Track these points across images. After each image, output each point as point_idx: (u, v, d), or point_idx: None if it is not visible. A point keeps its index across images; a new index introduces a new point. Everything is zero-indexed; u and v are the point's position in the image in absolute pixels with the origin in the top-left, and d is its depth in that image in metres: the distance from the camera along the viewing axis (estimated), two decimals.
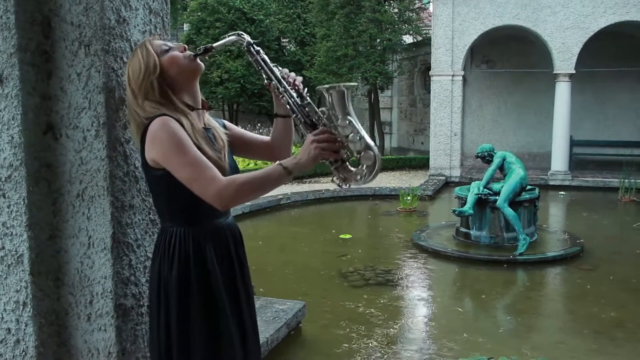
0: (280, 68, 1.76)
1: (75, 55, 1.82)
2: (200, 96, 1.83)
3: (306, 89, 1.77)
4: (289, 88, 1.72)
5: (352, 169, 1.67)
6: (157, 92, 1.69)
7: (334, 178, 1.69)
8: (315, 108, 1.70)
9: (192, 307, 1.73)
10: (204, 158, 1.63)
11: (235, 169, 1.82)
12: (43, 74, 1.84)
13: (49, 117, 1.85)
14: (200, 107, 1.80)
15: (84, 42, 1.81)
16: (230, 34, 1.77)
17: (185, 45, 1.78)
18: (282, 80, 1.73)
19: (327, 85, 1.63)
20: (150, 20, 2.01)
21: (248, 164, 11.37)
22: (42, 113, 1.84)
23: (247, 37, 1.75)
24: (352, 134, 1.62)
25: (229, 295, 1.79)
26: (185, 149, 1.61)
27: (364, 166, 1.64)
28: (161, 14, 2.07)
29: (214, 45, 1.73)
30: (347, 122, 1.62)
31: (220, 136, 1.82)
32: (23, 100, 1.80)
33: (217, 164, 1.67)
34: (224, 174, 1.67)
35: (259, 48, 1.75)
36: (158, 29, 2.05)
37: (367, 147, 1.62)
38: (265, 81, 1.76)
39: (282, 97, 1.73)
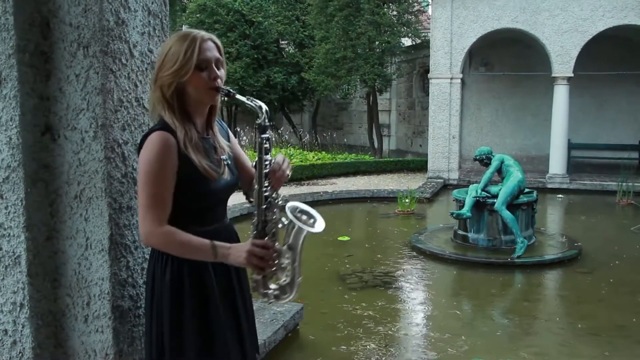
0: (271, 160, 1.70)
1: (73, 57, 1.82)
2: (214, 111, 1.81)
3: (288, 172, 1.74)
4: (264, 189, 1.68)
5: (270, 287, 1.69)
6: (170, 92, 1.69)
7: (252, 277, 1.70)
8: (276, 220, 1.68)
9: (184, 311, 1.73)
10: (166, 196, 1.66)
11: (235, 183, 1.84)
12: (41, 75, 1.84)
13: (47, 118, 1.85)
14: (203, 124, 1.79)
15: (82, 44, 1.81)
16: (258, 102, 1.69)
17: (217, 74, 1.70)
18: (262, 177, 1.67)
19: (291, 218, 1.64)
20: (149, 21, 2.01)
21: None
22: (40, 114, 1.84)
23: (265, 119, 1.68)
24: (285, 267, 1.67)
25: (224, 299, 1.79)
26: (155, 180, 1.64)
27: (276, 295, 1.69)
28: (160, 16, 2.07)
29: (237, 95, 1.71)
30: (288, 255, 1.66)
31: (222, 148, 1.82)
32: (21, 101, 1.80)
33: (207, 172, 1.69)
34: (216, 184, 1.72)
35: (267, 135, 1.69)
36: (157, 31, 2.05)
37: (289, 287, 1.68)
38: (252, 164, 1.74)
39: (254, 192, 1.69)
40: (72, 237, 1.87)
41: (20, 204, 1.82)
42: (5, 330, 1.88)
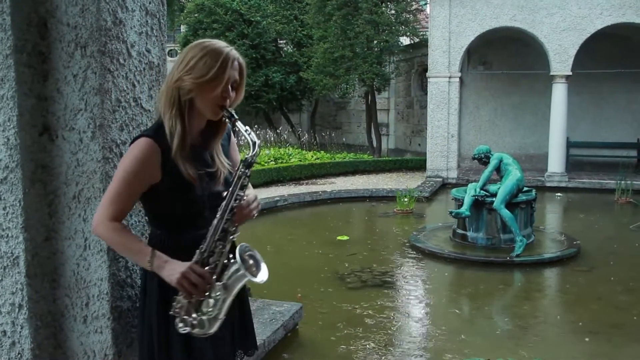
0: (242, 197, 1.67)
1: (71, 57, 1.82)
2: (218, 136, 1.81)
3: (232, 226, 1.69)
4: (226, 220, 1.64)
5: (193, 315, 1.65)
6: (186, 97, 1.68)
7: (177, 301, 1.66)
8: (223, 254, 1.65)
9: (172, 319, 1.74)
10: (130, 199, 1.70)
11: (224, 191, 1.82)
12: (39, 75, 1.84)
13: (45, 119, 1.85)
14: (199, 142, 1.77)
15: (80, 44, 1.81)
16: (254, 138, 1.66)
17: (228, 94, 1.70)
18: (228, 210, 1.64)
19: (238, 260, 1.61)
20: (147, 21, 2.01)
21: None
22: (38, 114, 1.84)
23: (254, 156, 1.65)
24: (213, 303, 1.63)
25: None
26: (127, 182, 1.66)
27: (194, 324, 1.65)
28: (158, 16, 2.06)
29: (237, 122, 1.70)
30: (220, 294, 1.63)
31: (220, 160, 1.80)
32: (19, 102, 1.79)
33: (192, 179, 1.69)
34: (202, 193, 1.72)
35: (249, 172, 1.66)
36: (154, 31, 2.04)
37: (209, 322, 1.64)
38: (223, 194, 1.69)
39: (216, 220, 1.66)
40: (71, 238, 1.87)
41: (18, 204, 1.82)
42: (4, 331, 1.88)
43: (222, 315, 1.65)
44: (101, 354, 1.87)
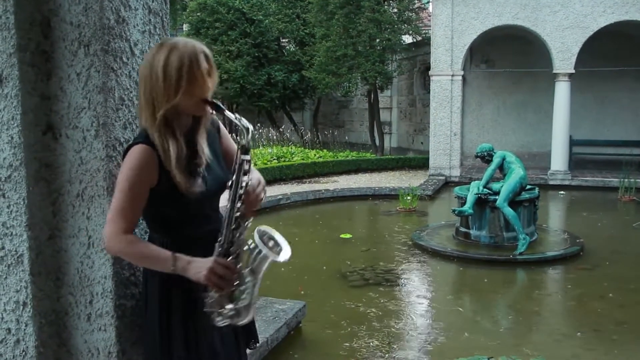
0: (247, 182, 1.66)
1: (74, 55, 1.82)
2: (200, 128, 1.79)
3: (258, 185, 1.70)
4: (236, 208, 1.64)
5: (227, 306, 1.66)
6: (167, 108, 1.65)
7: (209, 297, 1.67)
8: (242, 242, 1.66)
9: (173, 316, 1.76)
10: (136, 207, 1.68)
11: (221, 185, 1.81)
12: (42, 74, 1.84)
13: (49, 117, 1.85)
14: (186, 132, 1.76)
15: (83, 42, 1.81)
16: (246, 123, 1.65)
17: (209, 87, 1.69)
18: (236, 198, 1.64)
19: (258, 243, 1.62)
20: (150, 20, 2.01)
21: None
22: (41, 113, 1.84)
23: (249, 140, 1.65)
24: (244, 290, 1.64)
25: None
26: (131, 191, 1.65)
27: (231, 316, 1.66)
28: (160, 14, 2.07)
29: (226, 111, 1.70)
30: (248, 279, 1.64)
31: (202, 154, 1.78)
32: (23, 100, 1.80)
33: (189, 191, 1.69)
34: (198, 193, 1.71)
35: (249, 157, 1.65)
36: (157, 29, 2.05)
37: (245, 309, 1.65)
38: (228, 184, 1.68)
39: (227, 210, 1.67)
40: (75, 236, 1.87)
41: (22, 202, 1.82)
42: (9, 329, 1.89)
43: (255, 301, 1.66)
44: (105, 351, 1.88)
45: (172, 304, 1.76)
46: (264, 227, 1.67)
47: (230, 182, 1.66)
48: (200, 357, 1.78)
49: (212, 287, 1.63)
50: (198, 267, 1.62)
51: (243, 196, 1.65)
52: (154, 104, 1.65)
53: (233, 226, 1.65)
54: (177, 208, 1.73)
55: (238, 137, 1.67)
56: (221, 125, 1.95)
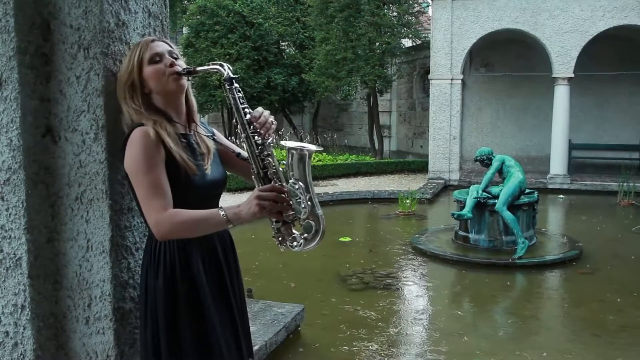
0: (250, 110, 1.68)
1: (74, 58, 1.82)
2: (192, 108, 1.83)
3: (272, 139, 1.71)
4: (251, 135, 1.65)
5: (295, 232, 1.64)
6: (138, 98, 1.72)
7: (273, 234, 1.66)
8: (274, 162, 1.65)
9: (179, 314, 1.74)
10: (162, 183, 1.65)
11: (222, 179, 1.84)
12: (42, 76, 1.84)
13: (48, 120, 1.85)
14: (184, 122, 1.80)
15: (83, 45, 1.81)
16: (214, 62, 1.70)
17: (173, 60, 1.74)
18: (246, 125, 1.65)
19: (291, 144, 1.61)
20: (150, 23, 2.01)
21: None
22: (41, 116, 1.84)
23: (229, 72, 1.67)
24: (298, 199, 1.60)
25: (219, 303, 1.79)
26: (149, 170, 1.64)
27: (303, 235, 1.63)
28: (160, 17, 2.07)
29: (197, 69, 1.73)
30: (297, 186, 1.60)
31: (205, 143, 1.82)
32: (22, 103, 1.80)
33: (187, 164, 1.69)
34: (201, 180, 1.72)
35: (236, 85, 1.67)
36: (157, 32, 2.05)
37: (312, 216, 1.61)
38: (234, 120, 1.71)
39: (244, 142, 1.68)
40: (73, 239, 1.87)
41: (21, 205, 1.82)
42: (7, 332, 1.88)
43: (317, 209, 1.61)
44: (103, 355, 1.87)
45: (179, 311, 1.73)
46: (283, 142, 1.66)
47: (234, 119, 1.68)
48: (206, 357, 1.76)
49: (271, 215, 1.61)
50: (247, 205, 1.59)
51: (252, 120, 1.66)
52: (125, 97, 1.73)
53: (257, 151, 1.64)
54: (179, 195, 1.70)
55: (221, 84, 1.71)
56: (215, 131, 1.96)
